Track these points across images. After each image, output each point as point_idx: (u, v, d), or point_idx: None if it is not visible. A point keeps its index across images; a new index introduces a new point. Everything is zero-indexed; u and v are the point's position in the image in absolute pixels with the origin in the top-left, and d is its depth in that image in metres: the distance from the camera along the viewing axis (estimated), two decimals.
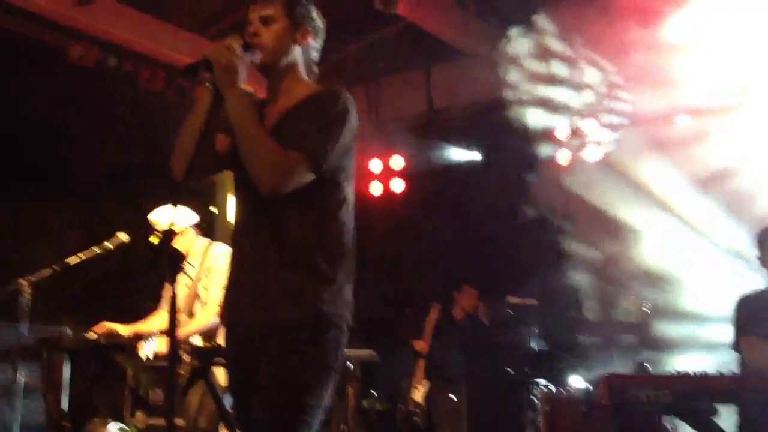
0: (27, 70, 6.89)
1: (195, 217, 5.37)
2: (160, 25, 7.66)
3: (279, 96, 2.80)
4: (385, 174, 9.47)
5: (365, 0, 7.03)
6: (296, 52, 2.81)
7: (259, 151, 2.57)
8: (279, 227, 2.64)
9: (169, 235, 2.58)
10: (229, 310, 2.77)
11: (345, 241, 2.73)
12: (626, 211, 7.46)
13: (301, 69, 2.84)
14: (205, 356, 4.64)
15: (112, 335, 5.03)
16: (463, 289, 7.84)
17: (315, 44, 2.87)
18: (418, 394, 7.73)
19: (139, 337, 4.96)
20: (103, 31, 7.26)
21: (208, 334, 4.93)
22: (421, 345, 7.89)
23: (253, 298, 2.66)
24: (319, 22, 2.86)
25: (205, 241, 5.38)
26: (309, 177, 2.60)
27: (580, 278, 7.52)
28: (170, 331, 2.54)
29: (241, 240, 2.77)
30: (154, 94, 7.69)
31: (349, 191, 2.77)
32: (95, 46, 7.27)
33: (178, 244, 5.22)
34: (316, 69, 2.89)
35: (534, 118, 7.86)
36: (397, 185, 9.42)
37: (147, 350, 4.92)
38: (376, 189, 9.45)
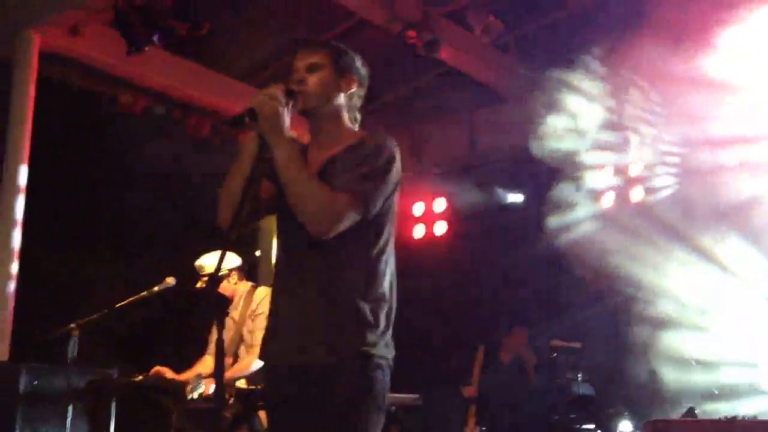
0: (78, 119, 7.08)
1: (238, 261, 5.43)
2: (207, 73, 7.84)
3: (323, 142, 2.84)
4: (427, 217, 9.51)
5: (408, 45, 7.13)
6: (341, 99, 2.85)
7: (308, 193, 2.61)
8: (321, 270, 2.67)
9: (214, 279, 2.62)
10: (269, 353, 2.79)
11: (387, 285, 2.75)
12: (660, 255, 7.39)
13: (345, 116, 2.88)
14: (249, 399, 4.68)
15: (159, 378, 5.09)
16: (513, 330, 7.74)
17: (359, 92, 2.91)
18: None
19: (185, 381, 5.01)
20: (152, 80, 7.46)
21: (253, 378, 4.96)
22: (470, 391, 7.79)
23: (295, 341, 2.68)
24: (364, 70, 2.90)
25: (249, 284, 5.44)
26: (356, 219, 2.64)
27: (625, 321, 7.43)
28: (216, 375, 2.56)
29: (283, 282, 2.79)
30: (200, 141, 7.85)
31: (391, 236, 2.80)
32: (143, 94, 7.47)
33: (222, 288, 5.30)
34: (359, 116, 2.93)
35: (578, 161, 7.85)
36: (440, 228, 9.44)
37: (193, 392, 4.96)
38: (418, 232, 9.48)
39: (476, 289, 8.90)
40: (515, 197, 9.13)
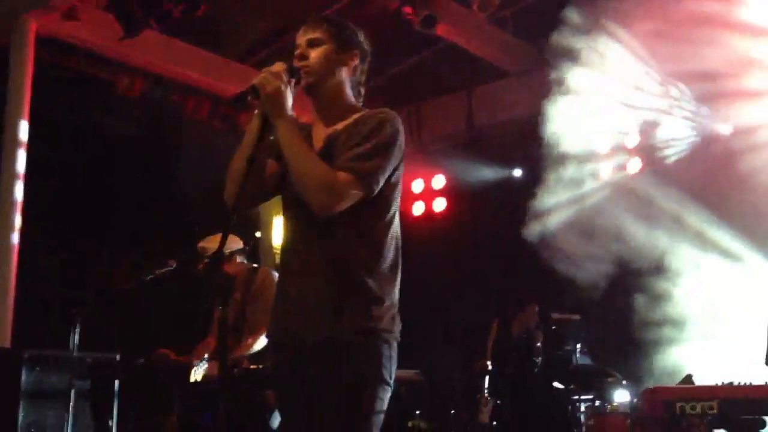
0: (76, 102, 7.07)
1: (240, 243, 5.45)
2: (204, 54, 7.82)
3: (326, 118, 2.85)
4: (426, 193, 9.52)
5: (406, 22, 7.11)
6: (343, 74, 2.85)
7: (311, 173, 2.61)
8: (328, 247, 2.69)
9: (217, 259, 2.63)
10: (278, 329, 2.80)
11: (393, 260, 2.76)
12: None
13: (348, 91, 2.88)
14: (255, 378, 4.71)
15: (162, 360, 5.12)
16: (526, 306, 7.71)
17: (361, 67, 2.90)
18: (484, 415, 7.66)
19: (188, 362, 5.04)
20: (149, 63, 7.44)
21: (257, 357, 4.99)
22: (483, 364, 7.80)
23: (303, 318, 2.69)
24: (366, 45, 2.89)
25: (251, 265, 5.46)
26: (359, 197, 2.65)
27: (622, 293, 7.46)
28: (220, 355, 2.58)
29: (290, 260, 2.80)
30: (199, 123, 7.84)
31: (396, 211, 2.82)
32: (141, 77, 7.46)
33: (225, 269, 5.31)
34: (362, 91, 2.93)
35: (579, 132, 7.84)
36: (439, 204, 9.46)
37: (196, 374, 4.99)
38: (418, 208, 9.50)
39: (476, 265, 8.92)
40: (514, 173, 9.13)
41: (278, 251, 8.38)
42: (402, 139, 2.77)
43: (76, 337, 5.06)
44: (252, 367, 4.89)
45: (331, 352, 2.62)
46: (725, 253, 7.10)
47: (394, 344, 2.71)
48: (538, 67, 8.44)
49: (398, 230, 2.82)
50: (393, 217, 2.79)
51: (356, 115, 2.81)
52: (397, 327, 2.74)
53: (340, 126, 2.80)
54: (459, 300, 8.79)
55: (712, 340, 6.77)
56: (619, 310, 7.51)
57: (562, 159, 7.91)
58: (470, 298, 8.60)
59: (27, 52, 6.60)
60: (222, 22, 7.40)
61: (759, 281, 6.82)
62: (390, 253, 2.75)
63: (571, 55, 7.41)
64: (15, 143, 6.46)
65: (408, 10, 7.04)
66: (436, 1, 7.14)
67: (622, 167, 8.10)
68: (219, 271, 2.54)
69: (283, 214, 2.87)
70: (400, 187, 2.83)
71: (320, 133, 2.83)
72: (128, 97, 7.34)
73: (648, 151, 7.90)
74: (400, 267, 2.80)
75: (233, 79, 7.90)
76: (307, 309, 2.68)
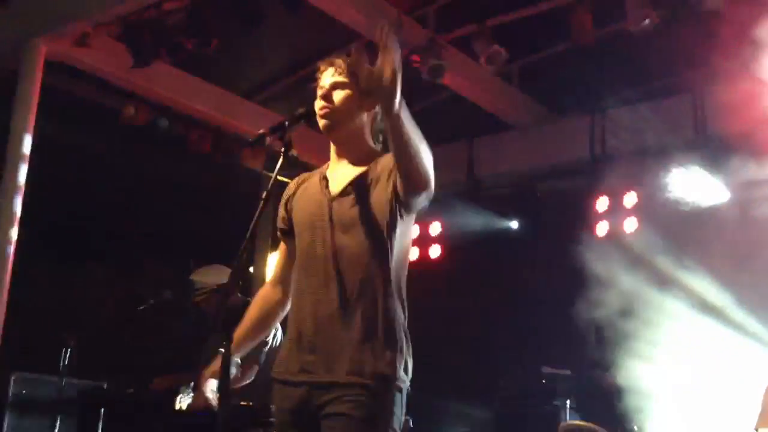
0: (83, 128, 7.10)
1: None
2: (211, 88, 7.87)
3: (350, 159, 2.90)
4: (422, 240, 9.53)
5: (411, 70, 7.18)
6: (364, 119, 2.91)
7: (423, 150, 2.62)
8: (348, 290, 2.71)
9: (224, 295, 2.63)
10: (289, 367, 2.78)
11: (405, 305, 2.81)
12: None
13: (368, 136, 2.94)
14: (246, 416, 4.66)
15: (149, 390, 5.08)
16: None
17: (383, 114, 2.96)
18: None
19: (175, 391, 4.99)
20: (156, 93, 7.48)
21: (246, 393, 4.94)
22: None
23: (316, 358, 2.70)
24: None
25: (245, 299, 5.44)
26: (430, 193, 2.73)
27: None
28: (222, 391, 2.56)
29: (305, 301, 2.80)
30: (201, 155, 7.87)
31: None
32: (147, 106, 7.50)
33: (215, 302, 5.28)
34: (381, 138, 2.97)
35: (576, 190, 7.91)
36: (434, 251, 9.47)
37: (181, 401, 4.94)
38: (413, 254, 9.49)
39: (470, 313, 8.91)
40: (512, 224, 9.17)
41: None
42: None
43: (67, 361, 5.03)
44: (242, 403, 4.85)
45: (345, 394, 2.62)
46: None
47: (405, 392, 2.72)
48: (541, 122, 8.56)
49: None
50: (408, 260, 2.85)
51: (377, 159, 2.87)
52: (409, 375, 2.75)
53: (363, 167, 2.85)
54: (451, 348, 8.76)
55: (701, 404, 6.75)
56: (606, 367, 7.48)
57: (560, 213, 7.97)
58: (463, 345, 8.58)
59: (35, 75, 6.62)
60: (231, 58, 7.45)
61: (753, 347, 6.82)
62: (406, 301, 2.79)
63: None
64: (18, 156, 6.45)
65: (416, 58, 7.12)
66: (444, 51, 7.22)
67: (618, 225, 8.13)
68: (225, 305, 2.52)
69: (300, 253, 2.87)
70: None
71: (343, 172, 2.88)
72: (132, 125, 7.36)
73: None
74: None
75: (239, 115, 7.97)
76: (326, 350, 2.69)
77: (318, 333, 2.72)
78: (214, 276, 5.21)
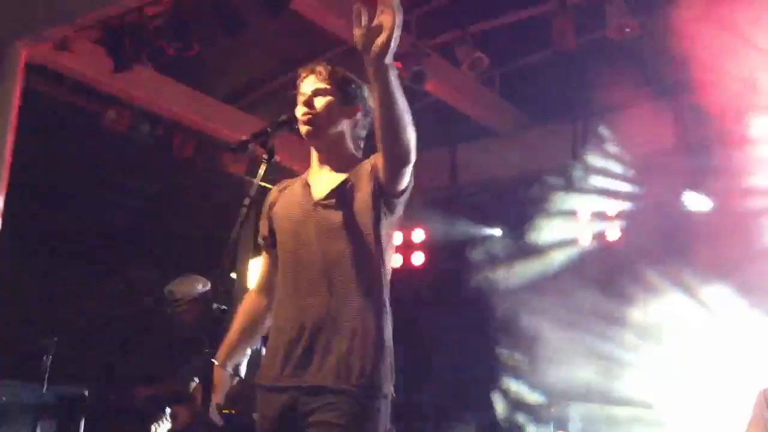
0: (64, 133, 7.05)
1: (208, 284, 5.39)
2: (193, 93, 7.84)
3: (331, 165, 2.92)
4: (405, 246, 9.52)
5: None
6: (344, 125, 2.92)
7: (408, 123, 2.60)
8: (335, 295, 2.72)
9: (207, 303, 2.63)
10: (273, 373, 2.78)
11: (389, 311, 2.81)
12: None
13: (349, 142, 2.95)
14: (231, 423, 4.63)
15: (130, 397, 5.04)
16: None
17: (364, 122, 2.97)
18: None
19: (159, 403, 4.95)
20: (138, 98, 7.45)
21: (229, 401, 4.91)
22: None
23: (302, 364, 2.70)
24: (370, 101, 2.91)
25: (221, 307, 5.39)
26: (409, 171, 2.73)
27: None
28: (204, 402, 2.56)
29: (289, 307, 2.80)
30: (184, 161, 7.84)
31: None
32: (129, 111, 7.46)
33: (193, 312, 5.24)
34: (362, 145, 3.00)
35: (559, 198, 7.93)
36: (417, 258, 9.46)
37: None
38: (396, 261, 9.49)
39: (451, 319, 8.91)
40: (494, 231, 9.18)
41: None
42: None
43: (48, 367, 4.99)
44: (225, 411, 4.82)
45: (331, 402, 2.62)
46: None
47: (389, 399, 2.73)
48: (522, 129, 8.58)
49: None
50: (390, 266, 2.85)
51: (358, 165, 2.89)
52: (393, 382, 2.76)
53: (345, 172, 2.87)
54: (433, 356, 8.78)
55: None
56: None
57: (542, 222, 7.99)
58: (445, 354, 8.59)
59: (15, 79, 6.56)
60: (213, 63, 7.44)
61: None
62: (388, 303, 2.80)
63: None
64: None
65: (398, 65, 7.11)
66: (426, 57, 7.23)
67: (601, 234, 8.17)
68: (209, 315, 2.51)
69: (283, 260, 2.87)
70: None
71: (325, 178, 2.90)
72: (116, 130, 7.32)
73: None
74: None
75: (221, 120, 7.95)
76: (312, 356, 2.69)
77: (304, 339, 2.72)
78: (188, 285, 5.19)
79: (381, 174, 2.73)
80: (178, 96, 7.73)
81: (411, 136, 2.61)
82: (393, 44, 2.44)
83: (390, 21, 2.43)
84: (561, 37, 6.64)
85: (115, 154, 7.38)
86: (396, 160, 2.67)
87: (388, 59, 2.46)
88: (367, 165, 2.82)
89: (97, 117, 7.30)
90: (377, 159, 2.76)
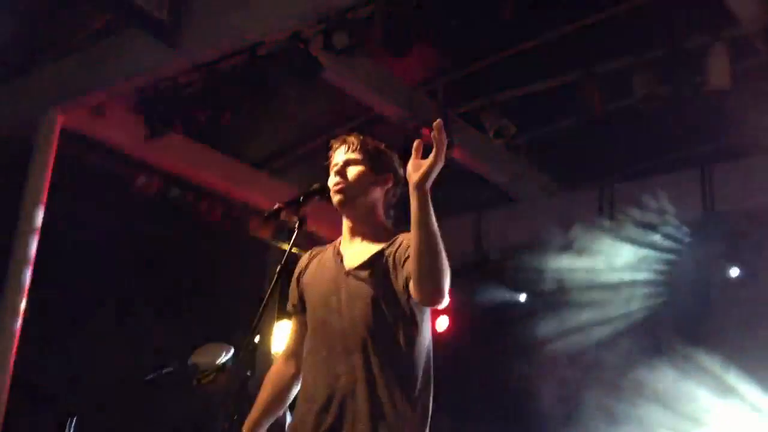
0: (93, 197, 7.13)
1: (231, 351, 5.38)
2: (222, 158, 7.94)
3: (363, 235, 2.93)
4: (430, 311, 9.47)
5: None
6: (376, 194, 2.95)
7: (443, 260, 2.56)
8: (366, 365, 2.71)
9: (219, 374, 2.62)
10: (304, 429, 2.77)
11: (431, 380, 2.83)
12: None
13: (381, 211, 2.98)
14: None
15: None
16: None
17: (395, 190, 3.00)
18: None
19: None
20: (168, 163, 7.55)
21: None
22: None
23: (333, 428, 2.70)
24: (401, 170, 2.94)
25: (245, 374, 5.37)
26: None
27: None
28: None
29: (317, 375, 2.80)
30: (210, 225, 7.90)
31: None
32: (158, 175, 7.55)
33: (218, 380, 5.22)
34: (392, 213, 3.01)
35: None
36: (442, 323, 9.41)
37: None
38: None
39: (477, 385, 8.82)
40: (520, 297, 9.13)
41: (277, 357, 8.27)
42: None
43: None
44: None
45: None
46: None
47: None
48: (549, 195, 8.59)
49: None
50: (427, 333, 2.85)
51: (390, 235, 2.89)
52: None
53: (381, 244, 2.86)
54: (458, 420, 8.65)
55: None
56: None
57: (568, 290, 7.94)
58: (470, 418, 8.47)
59: (51, 145, 6.67)
60: (242, 128, 7.54)
61: None
62: (428, 369, 2.80)
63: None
64: (29, 229, 6.48)
65: (426, 132, 7.18)
66: (453, 124, 7.29)
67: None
68: (234, 382, 2.51)
69: (313, 327, 2.88)
70: None
71: (358, 247, 2.91)
72: (145, 194, 7.40)
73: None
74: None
75: (248, 185, 8.02)
76: (342, 425, 2.69)
77: (334, 407, 2.71)
78: (212, 355, 5.19)
79: (412, 292, 2.66)
80: (207, 161, 7.82)
81: (444, 270, 2.54)
82: (434, 172, 2.51)
83: (436, 154, 2.52)
84: (588, 104, 6.68)
85: (144, 219, 7.43)
86: (426, 299, 2.61)
87: (428, 184, 2.52)
88: (405, 243, 2.76)
89: (127, 181, 7.39)
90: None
